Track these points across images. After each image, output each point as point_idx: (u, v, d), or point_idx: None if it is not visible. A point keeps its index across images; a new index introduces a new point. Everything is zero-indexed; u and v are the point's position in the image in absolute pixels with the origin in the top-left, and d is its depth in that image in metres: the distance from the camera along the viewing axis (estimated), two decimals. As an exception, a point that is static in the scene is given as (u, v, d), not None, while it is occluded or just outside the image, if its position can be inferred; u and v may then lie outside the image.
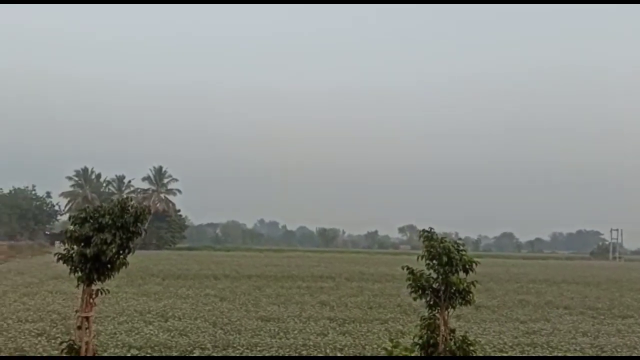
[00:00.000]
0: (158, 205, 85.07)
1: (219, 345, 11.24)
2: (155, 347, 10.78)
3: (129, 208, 4.37)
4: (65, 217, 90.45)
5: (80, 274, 4.32)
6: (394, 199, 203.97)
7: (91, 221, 4.29)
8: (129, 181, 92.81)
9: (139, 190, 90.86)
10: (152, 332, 12.22)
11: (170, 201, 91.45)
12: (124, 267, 4.40)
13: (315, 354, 10.43)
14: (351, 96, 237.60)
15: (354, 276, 30.42)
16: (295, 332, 12.84)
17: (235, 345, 11.19)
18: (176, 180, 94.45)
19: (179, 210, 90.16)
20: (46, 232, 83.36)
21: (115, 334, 11.65)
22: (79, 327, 4.37)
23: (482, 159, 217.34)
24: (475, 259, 4.95)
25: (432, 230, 5.05)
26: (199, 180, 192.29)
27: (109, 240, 4.19)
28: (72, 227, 4.32)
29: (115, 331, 12.01)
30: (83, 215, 4.30)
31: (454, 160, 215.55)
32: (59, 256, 4.35)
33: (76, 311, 4.35)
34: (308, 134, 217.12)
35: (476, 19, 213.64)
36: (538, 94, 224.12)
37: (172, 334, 12.18)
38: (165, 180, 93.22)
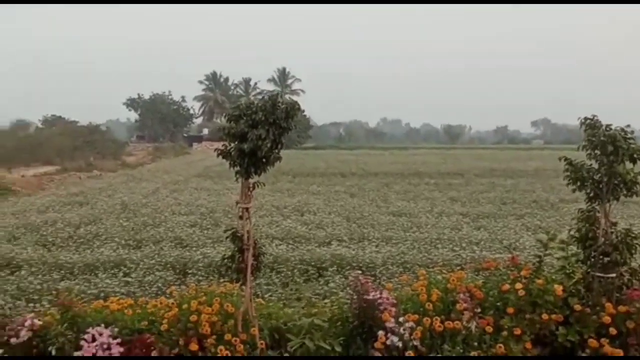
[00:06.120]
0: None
1: (354, 237, 11.66)
2: (296, 239, 11.44)
3: (280, 104, 4.45)
4: (199, 120, 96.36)
5: (238, 168, 4.54)
6: (525, 91, 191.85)
7: (245, 118, 4.44)
8: (255, 83, 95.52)
9: (264, 91, 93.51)
10: (290, 225, 12.90)
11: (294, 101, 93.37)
12: (278, 161, 4.57)
13: (450, 247, 10.49)
14: None
15: (483, 172, 29.63)
16: (429, 226, 12.94)
17: (370, 238, 11.53)
18: (299, 80, 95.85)
19: (303, 111, 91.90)
20: (184, 135, 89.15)
21: (258, 226, 12.46)
22: (241, 217, 4.68)
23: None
24: (646, 148, 4.51)
25: (595, 117, 4.65)
26: (321, 79, 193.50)
27: (263, 136, 4.33)
28: (228, 124, 4.51)
29: (257, 224, 12.83)
30: (237, 112, 4.45)
31: (589, 49, 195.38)
32: (218, 152, 4.60)
33: (237, 202, 4.65)
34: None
35: None
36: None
37: (309, 227, 12.80)
38: (289, 81, 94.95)
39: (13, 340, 4.44)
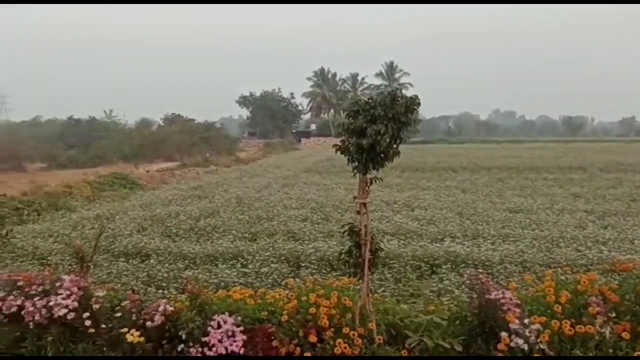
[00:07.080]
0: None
1: (468, 234, 11.28)
2: (407, 234, 11.27)
3: (399, 99, 4.40)
4: (307, 116, 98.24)
5: (356, 163, 4.56)
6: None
7: (364, 113, 4.44)
8: (362, 78, 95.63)
9: (372, 86, 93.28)
10: (401, 220, 12.73)
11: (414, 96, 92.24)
12: (396, 156, 4.53)
13: (574, 246, 9.84)
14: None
15: (609, 167, 27.50)
16: (549, 224, 12.22)
17: (485, 235, 11.10)
18: (407, 74, 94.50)
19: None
20: (293, 131, 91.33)
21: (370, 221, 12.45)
22: (358, 212, 4.71)
23: None
24: None
25: None
26: (430, 72, 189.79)
27: (382, 131, 4.31)
28: (347, 119, 4.54)
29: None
30: (356, 108, 4.47)
31: None
32: (337, 147, 4.64)
33: (354, 197, 4.68)
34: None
35: None
36: None
37: (420, 223, 12.57)
38: (397, 75, 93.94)
39: (148, 323, 4.77)
